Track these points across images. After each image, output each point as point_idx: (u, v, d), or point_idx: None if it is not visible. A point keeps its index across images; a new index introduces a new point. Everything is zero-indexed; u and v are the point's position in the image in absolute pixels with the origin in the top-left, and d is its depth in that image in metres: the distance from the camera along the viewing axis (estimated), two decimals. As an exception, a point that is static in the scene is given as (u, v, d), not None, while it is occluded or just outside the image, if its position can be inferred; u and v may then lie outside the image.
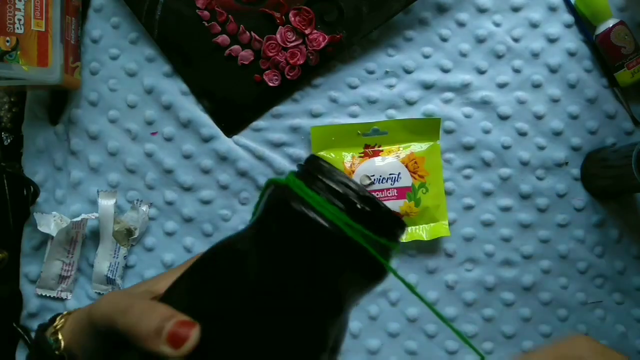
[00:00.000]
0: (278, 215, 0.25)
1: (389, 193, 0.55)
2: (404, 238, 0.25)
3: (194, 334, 0.24)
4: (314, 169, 0.25)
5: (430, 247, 0.56)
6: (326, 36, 0.55)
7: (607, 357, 0.32)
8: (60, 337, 0.32)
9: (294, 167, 0.56)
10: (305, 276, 0.25)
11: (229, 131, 0.57)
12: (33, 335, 0.55)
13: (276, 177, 0.26)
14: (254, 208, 0.28)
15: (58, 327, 0.32)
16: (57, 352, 0.31)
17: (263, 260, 0.25)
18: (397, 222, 0.25)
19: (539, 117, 0.57)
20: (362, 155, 0.56)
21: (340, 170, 0.25)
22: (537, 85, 0.57)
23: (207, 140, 0.56)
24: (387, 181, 0.55)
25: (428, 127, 0.56)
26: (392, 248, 0.25)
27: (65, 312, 0.34)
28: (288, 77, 0.56)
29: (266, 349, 0.24)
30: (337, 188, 0.24)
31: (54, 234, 0.53)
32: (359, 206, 0.24)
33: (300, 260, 0.24)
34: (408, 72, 0.57)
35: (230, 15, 0.56)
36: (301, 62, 0.56)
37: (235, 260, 0.25)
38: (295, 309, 0.25)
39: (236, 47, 0.56)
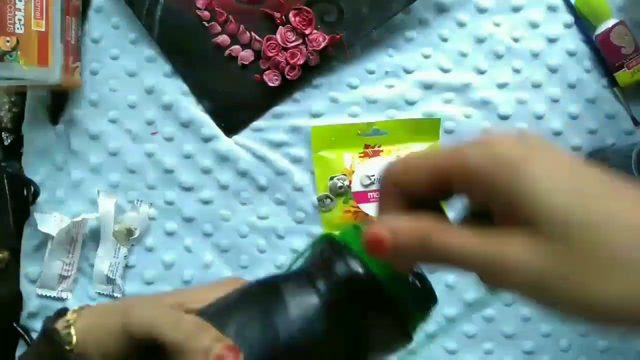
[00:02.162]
0: (347, 276, 0.27)
1: (389, 193, 0.55)
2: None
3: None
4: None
5: (430, 247, 0.56)
6: (326, 36, 0.55)
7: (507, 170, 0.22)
8: (72, 331, 0.31)
9: (293, 168, 0.56)
10: (351, 330, 0.27)
11: (229, 131, 0.57)
12: (33, 335, 0.55)
13: (338, 236, 0.28)
14: (305, 248, 0.30)
15: (71, 322, 0.32)
16: (67, 348, 0.31)
17: (322, 308, 0.27)
18: (433, 300, 0.28)
19: (538, 117, 0.57)
20: (362, 155, 0.56)
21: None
22: (537, 86, 0.57)
23: (207, 140, 0.56)
24: (387, 181, 0.55)
25: (428, 127, 0.56)
26: (422, 320, 0.28)
27: (77, 307, 0.33)
28: (288, 77, 0.56)
29: None
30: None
31: (54, 234, 0.53)
32: (410, 280, 0.27)
33: (352, 314, 0.27)
34: (408, 72, 0.57)
35: (230, 16, 0.56)
36: (301, 62, 0.56)
37: (293, 300, 0.27)
38: (335, 356, 0.27)
39: (236, 47, 0.56)
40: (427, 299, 0.28)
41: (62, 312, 0.34)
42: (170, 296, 0.32)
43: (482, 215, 0.23)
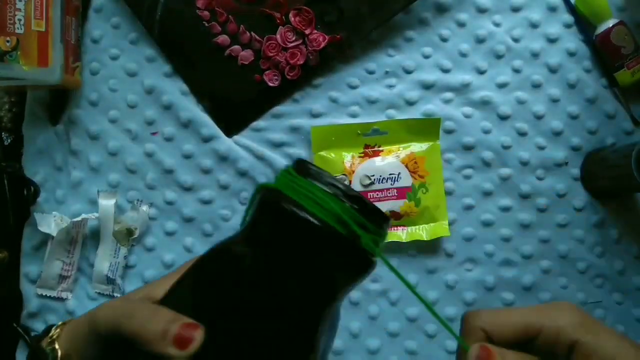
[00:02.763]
0: (271, 217, 0.27)
1: (389, 193, 0.55)
2: (388, 232, 0.27)
3: (198, 335, 0.25)
4: (303, 172, 0.27)
5: (430, 247, 0.56)
6: (326, 36, 0.55)
7: (588, 330, 0.27)
8: (56, 346, 0.32)
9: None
10: (298, 272, 0.26)
11: (229, 131, 0.57)
12: (33, 334, 0.55)
13: (265, 182, 0.28)
14: (244, 212, 0.29)
15: (54, 337, 0.32)
16: None
17: (258, 260, 0.26)
18: (382, 217, 0.27)
19: (538, 117, 0.57)
20: (362, 155, 0.56)
21: (327, 172, 0.27)
22: (536, 85, 0.57)
23: (207, 140, 0.57)
24: (387, 181, 0.55)
25: (428, 127, 0.56)
26: (378, 241, 0.27)
27: (60, 323, 0.34)
28: (288, 77, 0.56)
29: (264, 344, 0.26)
30: (325, 189, 0.26)
31: (54, 234, 0.53)
32: (347, 204, 0.26)
33: (293, 257, 0.26)
34: (408, 72, 0.57)
35: (230, 16, 0.56)
36: (301, 62, 0.56)
37: (232, 262, 0.27)
38: (291, 303, 0.26)
39: (236, 47, 0.56)
40: (372, 219, 0.27)
41: (48, 329, 0.35)
42: (139, 291, 0.32)
43: None
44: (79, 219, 0.55)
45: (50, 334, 0.33)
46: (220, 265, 0.27)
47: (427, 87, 0.57)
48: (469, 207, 0.56)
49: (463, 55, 0.58)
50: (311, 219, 0.25)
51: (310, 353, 0.26)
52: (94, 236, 0.56)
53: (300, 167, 0.27)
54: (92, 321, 0.29)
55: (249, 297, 0.26)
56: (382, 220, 0.27)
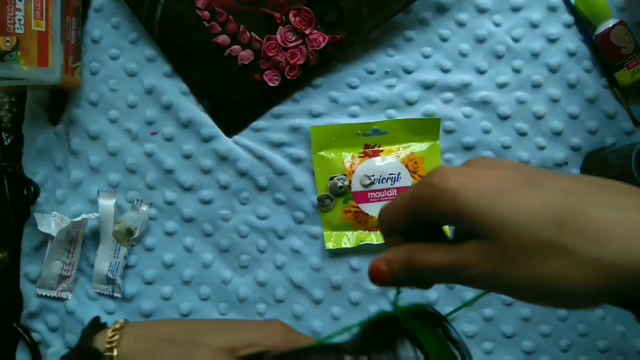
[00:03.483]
0: (397, 350, 0.29)
1: (389, 193, 0.55)
2: None
3: None
4: (433, 322, 0.29)
5: (430, 247, 0.56)
6: (326, 36, 0.55)
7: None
8: (115, 353, 0.31)
9: (293, 168, 0.56)
10: None
11: (229, 131, 0.57)
12: (34, 335, 0.55)
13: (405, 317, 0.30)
14: (361, 326, 0.31)
15: (114, 344, 0.31)
16: None
17: None
18: None
19: (538, 117, 0.57)
20: (362, 155, 0.56)
21: (451, 325, 0.29)
22: (536, 85, 0.57)
23: (207, 140, 0.57)
24: (387, 181, 0.55)
25: (428, 127, 0.56)
26: None
27: (117, 325, 0.33)
28: (288, 77, 0.56)
29: None
30: (450, 345, 0.28)
31: (54, 234, 0.53)
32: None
33: None
34: (408, 72, 0.57)
35: (230, 16, 0.56)
36: (301, 62, 0.56)
37: None
38: None
39: (236, 47, 0.56)
40: None
41: (98, 325, 0.33)
42: (218, 333, 0.33)
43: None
44: (79, 219, 0.55)
45: (110, 338, 0.32)
46: None
47: (427, 87, 0.57)
48: (469, 207, 0.56)
49: (463, 55, 0.57)
50: None
51: None
52: (94, 236, 0.56)
53: (430, 316, 0.29)
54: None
55: None
56: None
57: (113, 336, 0.31)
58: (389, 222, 0.30)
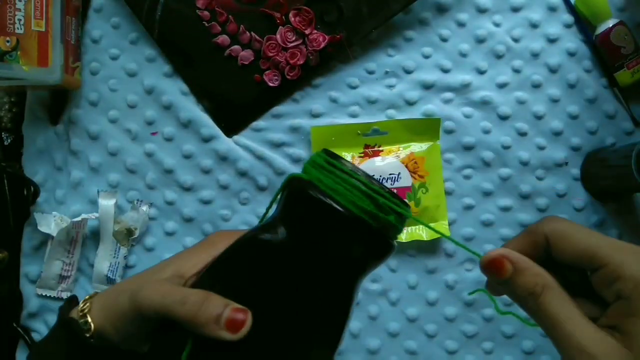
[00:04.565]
0: (303, 204, 0.29)
1: (389, 193, 0.55)
2: (408, 217, 0.30)
3: (248, 319, 0.27)
4: (329, 164, 0.30)
5: (430, 247, 0.56)
6: (326, 36, 0.55)
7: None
8: (89, 319, 0.33)
9: (294, 167, 0.56)
10: (330, 255, 0.29)
11: (229, 131, 0.57)
12: (34, 335, 0.55)
13: (295, 173, 0.30)
14: (272, 199, 0.32)
15: (86, 310, 0.33)
16: (87, 335, 0.33)
17: (292, 243, 0.29)
18: (399, 203, 0.29)
19: (538, 117, 0.57)
20: (362, 155, 0.56)
21: (351, 163, 0.29)
22: (536, 86, 0.57)
23: (207, 140, 0.56)
24: (387, 181, 0.55)
25: (428, 127, 0.56)
26: (397, 225, 0.30)
27: (87, 297, 0.35)
28: (288, 77, 0.56)
29: (304, 320, 0.29)
30: (352, 179, 0.29)
31: (54, 234, 0.53)
32: (370, 193, 0.28)
33: (322, 241, 0.29)
34: (408, 72, 0.57)
35: (230, 16, 0.56)
36: (301, 62, 0.56)
37: (267, 247, 0.29)
38: (324, 280, 0.29)
39: (236, 47, 0.56)
40: (393, 205, 0.29)
41: (73, 300, 0.36)
42: (168, 267, 0.34)
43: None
44: (79, 219, 0.55)
45: (81, 307, 0.34)
46: (256, 251, 0.30)
47: (427, 87, 0.57)
48: (469, 207, 0.56)
49: (463, 55, 0.57)
50: (337, 207, 0.28)
51: (346, 321, 0.29)
52: (94, 236, 0.56)
53: (326, 158, 0.30)
54: (135, 301, 0.31)
55: (285, 278, 0.29)
56: (398, 205, 0.29)
57: (84, 305, 0.34)
58: (550, 239, 0.28)
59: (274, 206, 0.32)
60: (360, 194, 0.28)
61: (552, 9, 0.58)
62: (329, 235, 0.29)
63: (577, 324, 0.25)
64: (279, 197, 0.31)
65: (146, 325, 0.31)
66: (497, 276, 0.28)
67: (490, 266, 0.28)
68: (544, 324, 0.26)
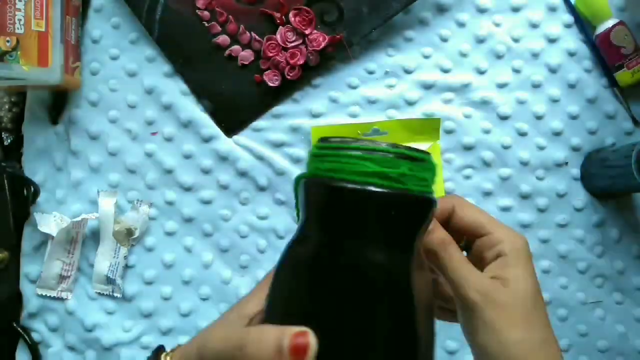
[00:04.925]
0: (315, 200, 0.27)
1: (389, 193, 0.55)
2: (423, 158, 0.27)
3: (311, 339, 0.25)
4: (323, 149, 0.27)
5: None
6: (326, 36, 0.55)
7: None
8: None
9: (294, 167, 0.56)
10: (376, 240, 0.26)
11: (229, 131, 0.57)
12: (33, 335, 0.55)
13: (302, 173, 0.28)
14: (295, 207, 0.30)
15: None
16: None
17: (334, 247, 0.26)
18: (421, 154, 0.27)
19: (538, 117, 0.57)
20: (362, 155, 0.56)
21: (349, 138, 0.27)
22: (536, 86, 0.57)
23: (207, 140, 0.56)
24: (387, 181, 0.55)
25: (428, 127, 0.56)
26: (417, 174, 0.27)
27: (169, 350, 0.34)
28: (288, 77, 0.56)
29: (372, 321, 0.26)
30: (344, 153, 0.26)
31: (54, 233, 0.53)
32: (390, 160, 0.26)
33: (367, 230, 0.26)
34: (408, 72, 0.57)
35: (230, 16, 0.55)
36: (301, 62, 0.56)
37: (302, 258, 0.27)
38: (381, 271, 0.26)
39: (236, 47, 0.56)
40: (414, 160, 0.27)
41: (160, 349, 0.35)
42: (232, 311, 0.33)
43: None
44: (78, 219, 0.54)
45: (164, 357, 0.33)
46: (296, 264, 0.28)
47: (427, 87, 0.57)
48: (469, 207, 0.56)
49: (463, 55, 0.57)
50: (344, 185, 0.25)
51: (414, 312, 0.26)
52: (94, 236, 0.56)
53: (318, 144, 0.28)
54: (202, 355, 0.29)
55: (340, 283, 0.26)
56: (423, 156, 0.27)
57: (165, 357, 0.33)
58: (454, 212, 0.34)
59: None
60: (358, 160, 0.25)
61: (552, 9, 0.58)
62: (352, 217, 0.26)
63: (472, 270, 0.32)
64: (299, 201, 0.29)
65: None
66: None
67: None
68: (446, 268, 0.32)
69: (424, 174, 0.27)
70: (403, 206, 0.26)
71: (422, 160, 0.27)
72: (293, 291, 0.27)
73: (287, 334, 0.25)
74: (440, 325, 0.55)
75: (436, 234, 0.32)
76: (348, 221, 0.26)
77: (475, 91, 0.57)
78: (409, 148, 0.27)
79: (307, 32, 0.55)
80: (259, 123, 0.57)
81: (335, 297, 0.26)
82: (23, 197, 0.55)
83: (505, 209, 0.57)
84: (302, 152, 0.57)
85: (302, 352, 0.25)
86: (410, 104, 0.57)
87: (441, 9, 0.58)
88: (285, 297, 0.28)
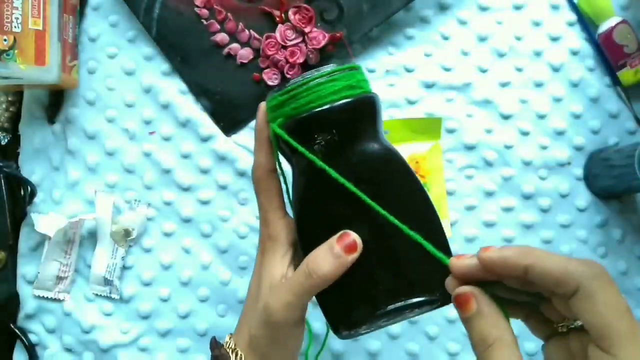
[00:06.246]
0: (323, 124, 0.34)
1: (390, 193, 0.55)
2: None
3: (354, 235, 0.32)
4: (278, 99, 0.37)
5: (431, 248, 0.55)
6: (326, 34, 0.55)
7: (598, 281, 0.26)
8: (239, 352, 0.36)
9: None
10: (369, 134, 0.35)
11: (228, 131, 0.56)
12: (30, 336, 0.54)
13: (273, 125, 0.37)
14: (275, 155, 0.40)
15: (232, 346, 0.36)
16: None
17: (344, 155, 0.34)
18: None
19: (541, 117, 0.57)
20: (363, 154, 0.56)
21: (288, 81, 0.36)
22: (539, 85, 0.57)
23: (205, 139, 0.56)
24: (387, 181, 0.55)
25: (429, 127, 0.56)
26: (358, 78, 0.35)
27: (227, 338, 0.37)
28: (288, 75, 0.55)
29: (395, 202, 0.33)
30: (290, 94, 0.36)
31: (51, 234, 0.53)
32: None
33: (359, 128, 0.35)
34: (409, 70, 0.57)
35: (229, 14, 0.55)
36: (301, 60, 0.55)
37: (315, 179, 0.35)
38: (390, 155, 0.35)
39: (235, 45, 0.55)
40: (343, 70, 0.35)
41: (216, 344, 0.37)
42: (261, 282, 0.37)
43: None
44: (76, 219, 0.54)
45: (227, 345, 0.36)
46: (312, 184, 0.35)
47: (429, 86, 0.57)
48: (470, 208, 0.56)
49: (465, 53, 0.57)
50: (354, 97, 0.34)
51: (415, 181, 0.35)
52: (92, 237, 0.56)
53: (288, 86, 0.35)
54: (271, 321, 0.34)
55: (358, 176, 0.33)
56: (354, 65, 0.35)
57: (229, 341, 0.37)
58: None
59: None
60: (325, 85, 0.33)
61: (555, 8, 0.57)
62: (348, 124, 0.34)
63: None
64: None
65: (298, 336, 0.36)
66: (460, 310, 0.29)
67: (458, 299, 0.29)
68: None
69: (364, 77, 0.36)
70: (374, 103, 0.35)
71: (356, 69, 0.35)
72: (320, 207, 0.34)
73: (334, 239, 0.32)
74: (441, 327, 0.54)
75: (483, 323, 0.28)
76: (347, 128, 0.34)
77: (477, 90, 0.57)
78: (342, 64, 0.35)
79: (306, 30, 0.55)
80: (258, 122, 0.56)
81: (358, 185, 0.33)
82: (20, 197, 0.55)
83: (508, 209, 0.56)
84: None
85: (353, 248, 0.32)
86: (412, 103, 0.57)
87: (443, 7, 0.57)
88: (314, 220, 0.34)
